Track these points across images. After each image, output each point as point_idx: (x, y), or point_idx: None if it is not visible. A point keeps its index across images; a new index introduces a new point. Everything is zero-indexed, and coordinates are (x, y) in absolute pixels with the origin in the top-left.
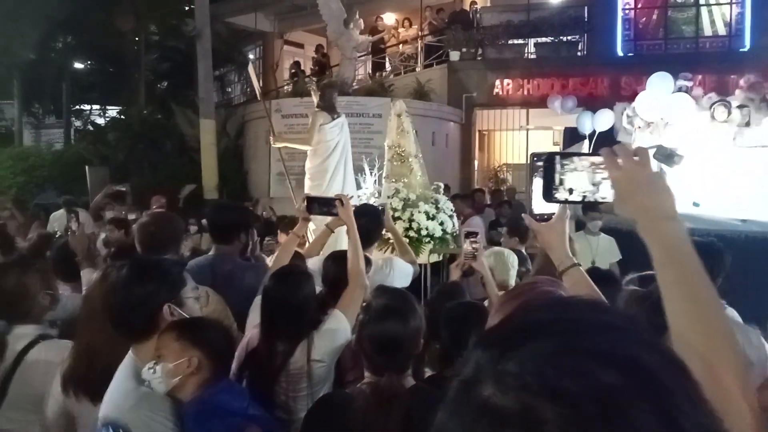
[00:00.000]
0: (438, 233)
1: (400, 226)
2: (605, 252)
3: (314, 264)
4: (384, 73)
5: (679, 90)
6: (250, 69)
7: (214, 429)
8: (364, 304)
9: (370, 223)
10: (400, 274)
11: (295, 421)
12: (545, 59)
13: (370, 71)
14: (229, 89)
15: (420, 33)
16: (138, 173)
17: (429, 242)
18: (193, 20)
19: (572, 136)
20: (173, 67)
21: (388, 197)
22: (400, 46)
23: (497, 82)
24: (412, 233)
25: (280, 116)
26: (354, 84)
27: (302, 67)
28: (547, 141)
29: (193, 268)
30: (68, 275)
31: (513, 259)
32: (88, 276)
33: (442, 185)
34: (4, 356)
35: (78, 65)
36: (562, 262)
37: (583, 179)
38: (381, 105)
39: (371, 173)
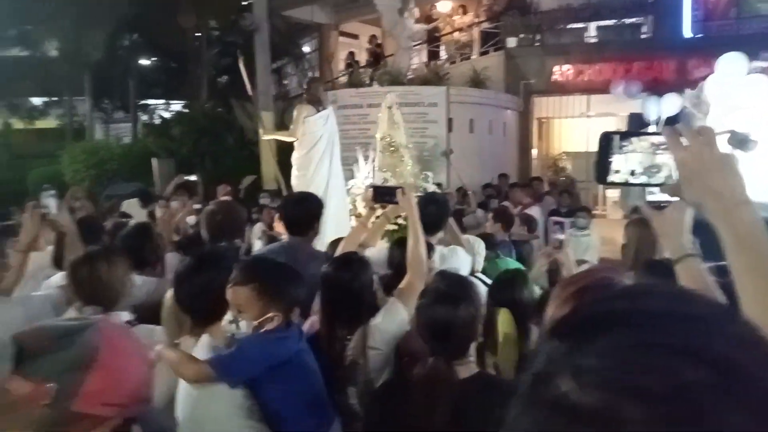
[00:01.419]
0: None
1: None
2: (593, 250)
3: (372, 253)
4: (439, 62)
5: (755, 71)
6: (240, 64)
7: (242, 367)
8: (424, 289)
9: (437, 210)
10: (463, 263)
11: (354, 405)
12: (607, 43)
13: (426, 60)
14: (286, 81)
15: (476, 20)
16: (201, 166)
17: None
18: (252, 15)
19: (637, 122)
20: (233, 61)
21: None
22: (456, 33)
23: (556, 68)
24: (400, 220)
25: (336, 107)
26: (409, 73)
27: (357, 58)
28: (609, 128)
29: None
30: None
31: (479, 246)
32: (172, 260)
33: (431, 174)
34: None
35: (144, 62)
36: (675, 251)
37: (643, 160)
38: (436, 94)
39: (369, 162)
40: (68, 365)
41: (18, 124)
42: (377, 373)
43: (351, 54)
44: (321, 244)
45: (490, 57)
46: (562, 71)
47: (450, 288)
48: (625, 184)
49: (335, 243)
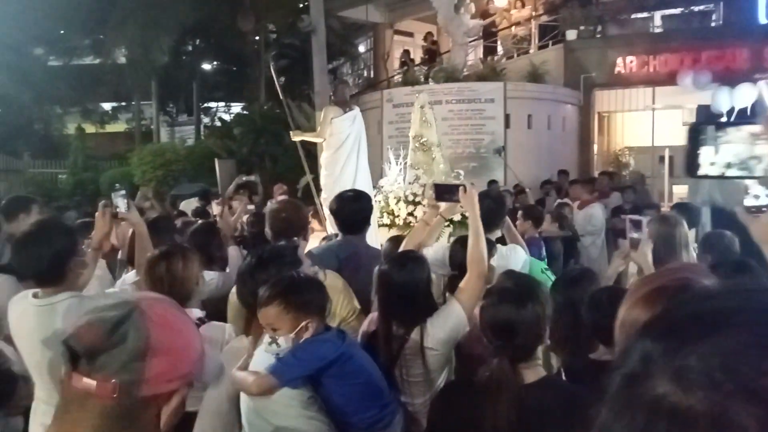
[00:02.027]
0: (457, 217)
1: (420, 211)
2: None
3: (428, 253)
4: (496, 57)
5: None
6: (272, 70)
7: (297, 370)
8: (488, 287)
9: (493, 206)
10: (523, 262)
11: (414, 404)
12: (674, 32)
13: (482, 56)
14: None
15: (534, 13)
16: (260, 165)
17: (448, 225)
18: (308, 16)
19: (706, 114)
20: (290, 63)
21: (409, 183)
22: (513, 28)
23: (619, 60)
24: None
25: (391, 106)
26: (465, 70)
27: (412, 56)
28: (676, 121)
29: (318, 253)
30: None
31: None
32: (234, 252)
33: (462, 173)
34: None
35: (206, 66)
36: None
37: (740, 152)
38: (493, 90)
39: (399, 161)
40: (126, 359)
41: (90, 128)
42: (435, 374)
43: (406, 52)
44: None
45: (548, 51)
46: (626, 63)
47: (517, 287)
48: (721, 177)
49: (393, 240)
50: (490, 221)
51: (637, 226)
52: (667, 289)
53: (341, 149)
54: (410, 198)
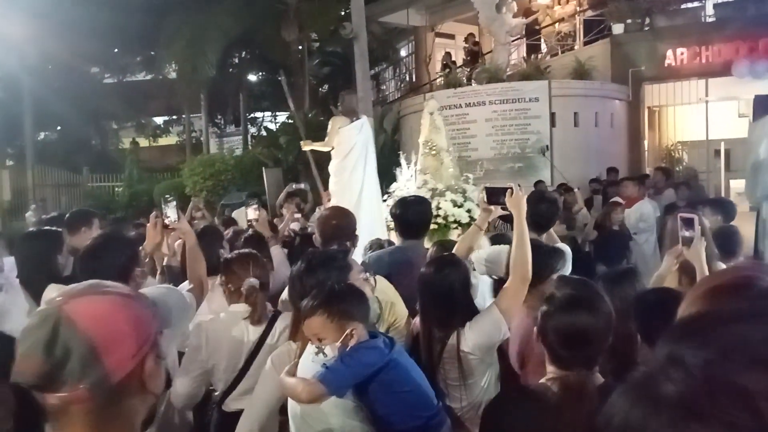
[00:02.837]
0: (464, 219)
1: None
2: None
3: (481, 255)
4: (540, 55)
5: None
6: (283, 82)
7: (346, 378)
8: (547, 294)
9: (548, 209)
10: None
11: (458, 408)
12: (728, 21)
13: (525, 55)
14: (384, 86)
15: (578, 8)
16: (306, 173)
17: (456, 227)
18: (350, 23)
19: (764, 105)
20: (333, 70)
21: (418, 188)
22: (557, 24)
23: (669, 53)
24: (440, 220)
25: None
26: (508, 69)
27: (454, 58)
28: (731, 113)
29: (370, 259)
30: None
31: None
32: (277, 251)
33: (471, 176)
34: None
35: (251, 77)
36: None
37: None
38: (537, 88)
39: (409, 167)
40: (81, 367)
41: (144, 142)
42: (475, 378)
43: (447, 54)
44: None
45: (594, 46)
46: (676, 55)
47: (582, 291)
48: None
49: (439, 244)
50: (544, 223)
51: (688, 224)
52: (724, 289)
53: (349, 157)
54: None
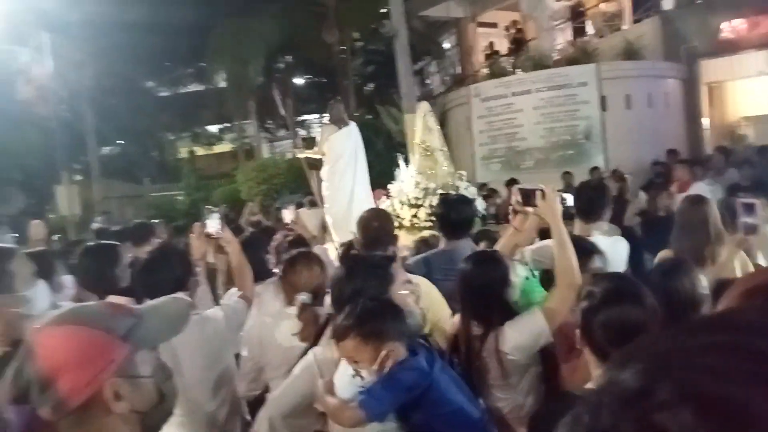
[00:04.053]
0: None
1: (422, 212)
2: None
3: (530, 250)
4: (586, 38)
5: None
6: (275, 93)
7: (387, 403)
8: (585, 290)
9: (593, 195)
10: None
11: (498, 408)
12: None
13: (571, 38)
14: (428, 81)
15: None
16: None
17: None
18: (390, 21)
19: None
20: (376, 68)
21: (414, 188)
22: (602, 5)
23: (725, 25)
24: (433, 217)
25: (479, 100)
26: (554, 55)
27: (497, 47)
28: None
29: (413, 261)
30: None
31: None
32: (320, 249)
33: (464, 173)
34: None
35: (297, 81)
36: None
37: None
38: (585, 72)
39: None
40: (39, 393)
41: (200, 150)
42: (513, 379)
43: (490, 44)
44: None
45: (643, 24)
46: (733, 27)
47: (624, 284)
48: None
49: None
50: (591, 212)
51: (749, 209)
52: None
53: (338, 163)
54: (413, 202)
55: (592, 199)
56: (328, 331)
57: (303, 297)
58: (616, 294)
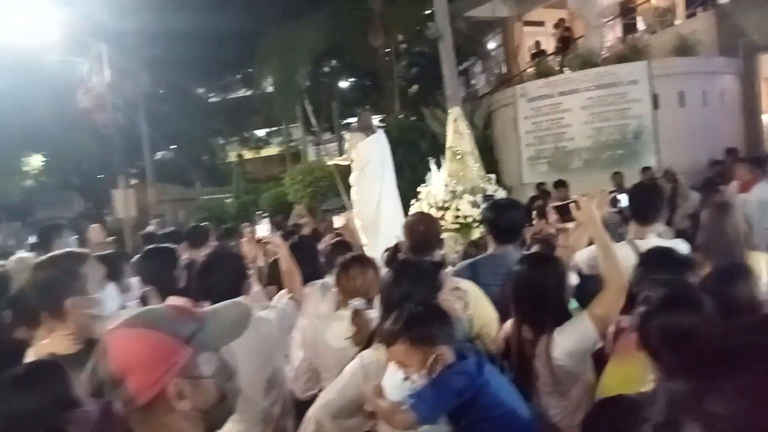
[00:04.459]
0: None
1: (449, 215)
2: None
3: (583, 254)
4: (637, 35)
5: None
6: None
7: (438, 407)
8: (640, 297)
9: (649, 197)
10: None
11: (550, 416)
12: None
13: (621, 35)
14: (473, 81)
15: None
16: (399, 175)
17: (477, 226)
18: (434, 23)
19: None
20: (421, 70)
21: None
22: (654, 0)
23: None
24: (460, 219)
25: (525, 100)
26: (603, 52)
27: (544, 46)
28: None
29: (462, 265)
30: None
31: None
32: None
33: (493, 177)
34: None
35: (343, 84)
36: None
37: None
38: (636, 70)
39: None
40: (110, 389)
41: (248, 154)
42: (565, 386)
43: (536, 43)
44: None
45: (697, 19)
46: None
47: (683, 290)
48: None
49: (470, 244)
50: (647, 214)
51: None
52: None
53: (367, 168)
54: (440, 204)
55: (648, 201)
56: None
57: (356, 303)
58: (673, 298)
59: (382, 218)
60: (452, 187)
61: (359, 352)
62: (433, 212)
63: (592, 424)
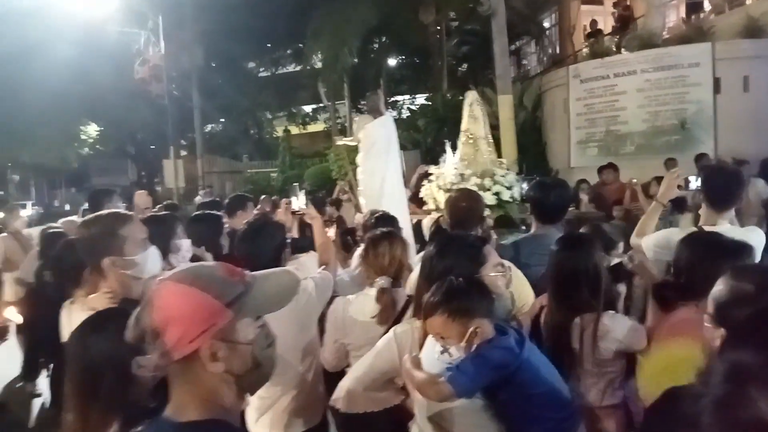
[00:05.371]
0: (491, 201)
1: None
2: None
3: (650, 240)
4: (702, 15)
5: None
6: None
7: (476, 380)
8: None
9: (725, 183)
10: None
11: (588, 399)
12: None
13: (684, 15)
14: (525, 61)
15: None
16: (443, 152)
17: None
18: (488, 0)
19: None
20: (471, 49)
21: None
22: None
23: None
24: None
25: (578, 81)
26: (664, 33)
27: (601, 26)
28: None
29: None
30: None
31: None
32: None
33: (505, 161)
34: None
35: (391, 62)
36: None
37: None
38: (699, 53)
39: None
40: (150, 341)
41: (295, 129)
42: (601, 370)
43: (593, 22)
44: None
45: None
46: None
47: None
48: None
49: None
50: (724, 200)
51: None
52: None
53: (372, 149)
54: (447, 186)
55: (726, 186)
56: (409, 313)
57: (382, 281)
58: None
59: (385, 197)
60: (461, 170)
61: (386, 330)
62: (441, 194)
63: (663, 413)
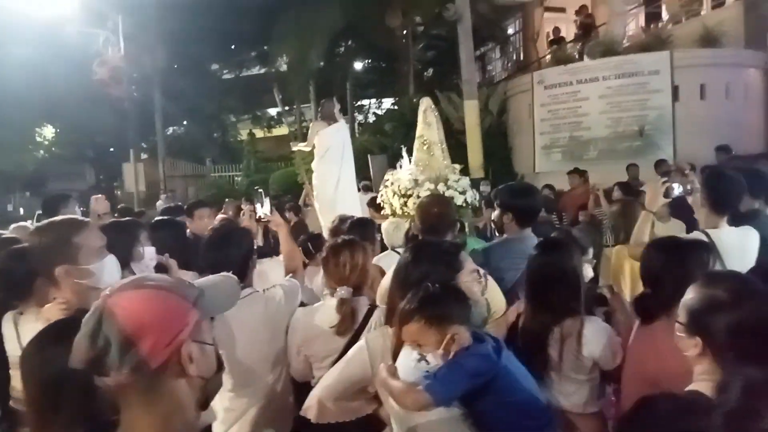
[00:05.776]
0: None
1: (411, 202)
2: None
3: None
4: (660, 24)
5: None
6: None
7: (454, 389)
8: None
9: (726, 187)
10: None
11: (562, 405)
12: None
13: (643, 24)
14: (490, 67)
15: None
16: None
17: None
18: (453, 5)
19: None
20: (438, 54)
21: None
22: None
23: None
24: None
25: (542, 87)
26: (625, 41)
27: (564, 33)
28: None
29: (482, 249)
30: None
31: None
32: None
33: (458, 167)
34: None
35: (358, 65)
36: None
37: None
38: (657, 60)
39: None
40: (119, 354)
41: (260, 133)
42: (581, 377)
43: (556, 29)
44: None
45: (724, 9)
46: None
47: (743, 284)
48: None
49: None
50: (724, 203)
51: None
52: None
53: (326, 157)
54: (402, 192)
55: (727, 189)
56: (372, 322)
57: (342, 292)
58: (741, 291)
59: (339, 201)
60: (416, 176)
61: (349, 341)
62: (396, 199)
63: (637, 420)
